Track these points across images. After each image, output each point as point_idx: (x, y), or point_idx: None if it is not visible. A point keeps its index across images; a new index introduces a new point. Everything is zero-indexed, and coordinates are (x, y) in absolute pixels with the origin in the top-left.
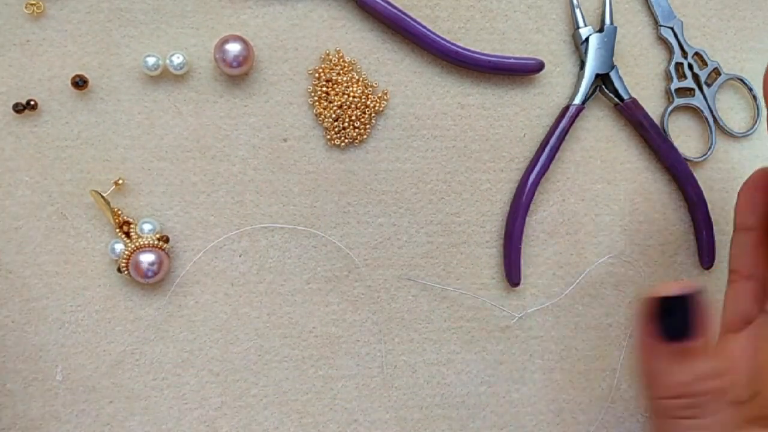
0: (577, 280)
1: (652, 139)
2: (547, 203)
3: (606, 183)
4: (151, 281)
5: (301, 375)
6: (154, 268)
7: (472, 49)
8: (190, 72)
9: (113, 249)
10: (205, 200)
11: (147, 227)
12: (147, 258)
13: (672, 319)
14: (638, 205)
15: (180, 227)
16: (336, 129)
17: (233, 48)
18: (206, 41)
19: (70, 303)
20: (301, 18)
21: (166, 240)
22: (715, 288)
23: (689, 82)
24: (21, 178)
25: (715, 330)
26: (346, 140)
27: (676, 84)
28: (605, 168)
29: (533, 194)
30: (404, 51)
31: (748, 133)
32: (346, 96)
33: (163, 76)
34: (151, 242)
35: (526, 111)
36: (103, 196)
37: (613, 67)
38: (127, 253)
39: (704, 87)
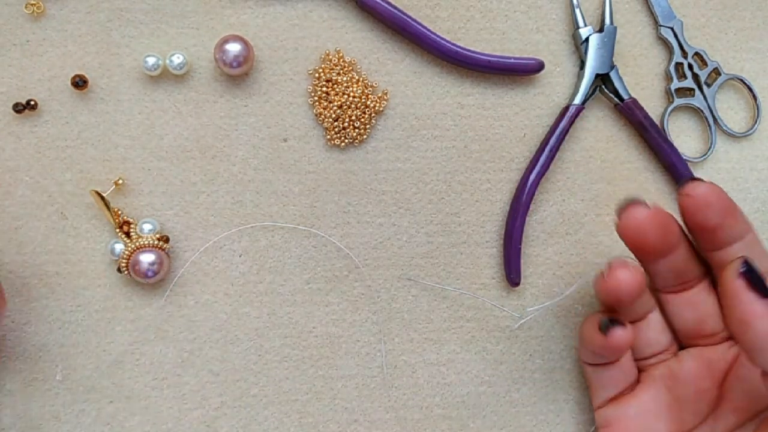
0: (574, 286)
1: (652, 139)
2: (547, 203)
3: (606, 183)
4: (151, 281)
5: (301, 375)
6: (155, 268)
7: (472, 49)
8: (190, 72)
9: (113, 249)
10: (205, 200)
11: (147, 227)
12: (147, 258)
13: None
14: None
15: (180, 227)
16: (336, 129)
17: (233, 48)
18: (206, 41)
19: (70, 303)
20: (301, 18)
21: (167, 240)
22: None
23: (689, 82)
24: (21, 178)
25: None
26: (346, 140)
27: (676, 84)
28: (605, 168)
29: (533, 194)
30: (404, 51)
31: (748, 133)
32: (346, 96)
33: (163, 76)
34: (151, 242)
35: (526, 111)
36: (103, 196)
37: (613, 67)
38: (127, 253)
39: (704, 87)
